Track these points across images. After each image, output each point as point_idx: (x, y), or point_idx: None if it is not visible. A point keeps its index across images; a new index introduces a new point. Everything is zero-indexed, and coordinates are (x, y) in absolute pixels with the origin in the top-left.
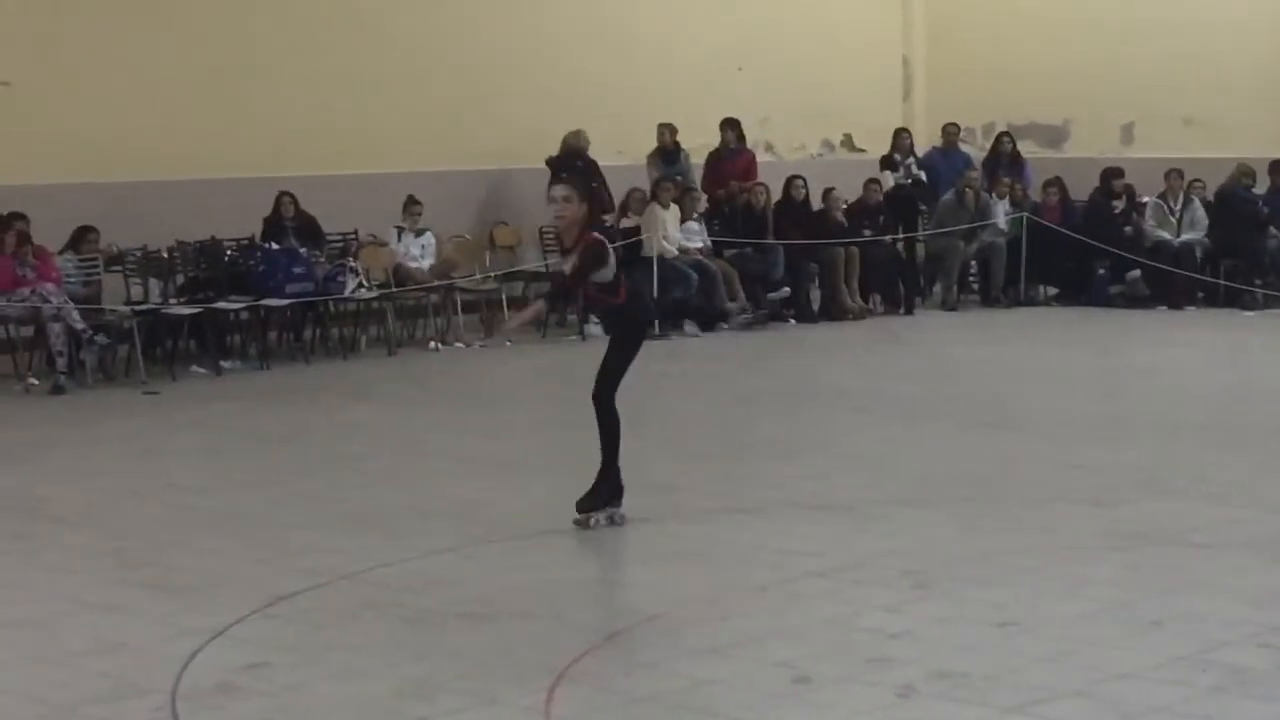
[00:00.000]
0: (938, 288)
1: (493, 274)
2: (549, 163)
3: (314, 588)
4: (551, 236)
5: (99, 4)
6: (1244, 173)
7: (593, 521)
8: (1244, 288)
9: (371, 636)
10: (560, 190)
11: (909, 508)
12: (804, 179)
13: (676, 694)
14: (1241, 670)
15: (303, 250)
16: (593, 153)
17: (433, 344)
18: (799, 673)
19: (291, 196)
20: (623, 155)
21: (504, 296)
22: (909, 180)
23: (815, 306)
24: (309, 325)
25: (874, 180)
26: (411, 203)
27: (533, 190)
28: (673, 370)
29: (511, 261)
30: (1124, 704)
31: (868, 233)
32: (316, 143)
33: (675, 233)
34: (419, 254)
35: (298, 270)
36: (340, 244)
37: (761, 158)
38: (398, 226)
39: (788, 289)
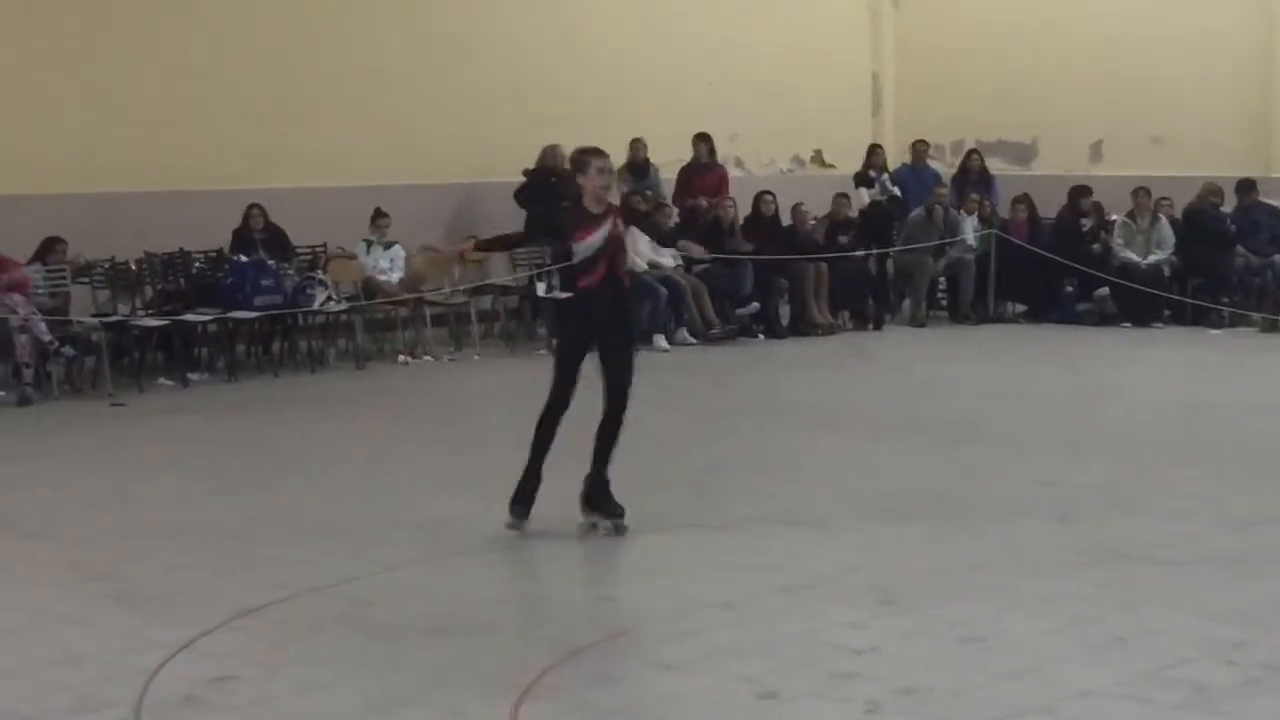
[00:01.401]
0: (906, 304)
1: (462, 287)
2: (526, 173)
3: (280, 601)
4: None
5: (66, 15)
6: (1211, 191)
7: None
8: (1211, 306)
9: (338, 650)
10: (608, 163)
11: (876, 523)
12: (773, 194)
13: (642, 709)
14: (1204, 687)
15: (271, 263)
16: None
17: (401, 357)
18: (765, 688)
19: (260, 209)
20: None
21: (473, 310)
22: (885, 196)
23: (784, 322)
24: (277, 338)
25: (843, 194)
26: (379, 215)
27: (502, 204)
28: (642, 385)
29: (481, 275)
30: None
31: (844, 240)
32: (285, 155)
33: (645, 248)
34: (388, 267)
35: (266, 283)
36: (309, 257)
37: (731, 173)
38: (366, 239)
39: (757, 304)
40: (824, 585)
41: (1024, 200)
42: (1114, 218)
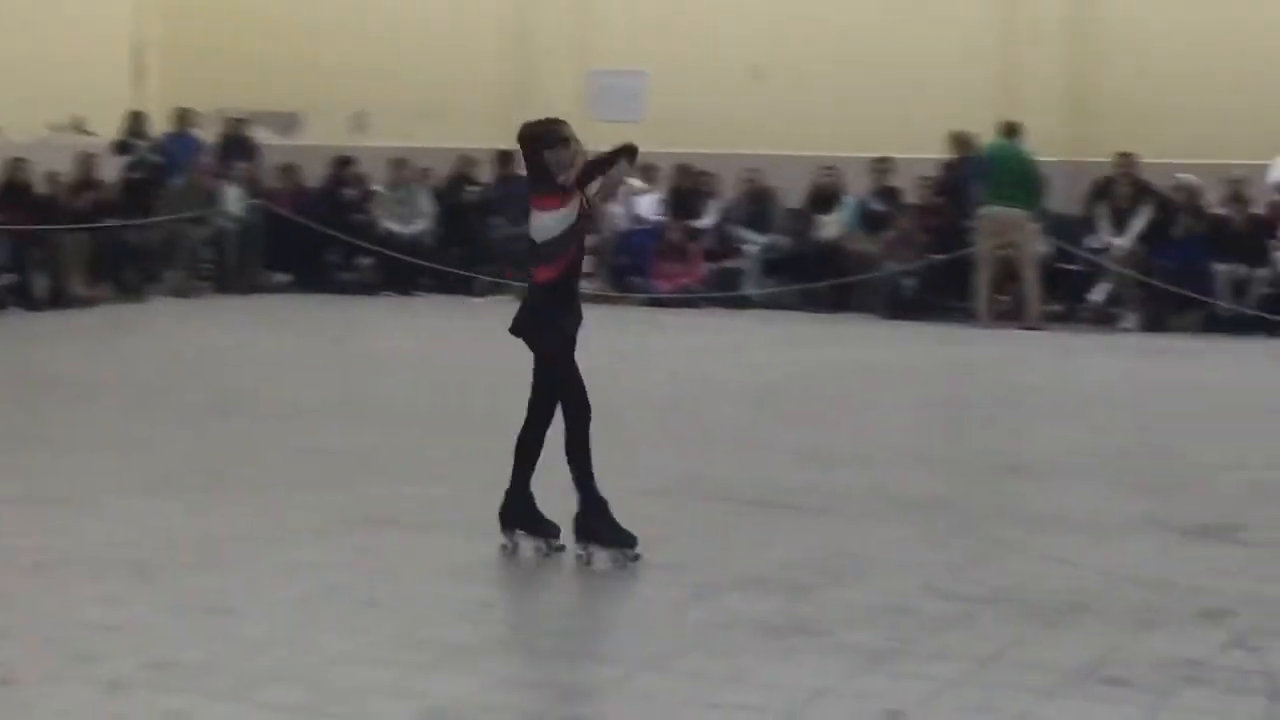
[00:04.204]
0: (171, 274)
1: None
2: None
3: None
4: None
5: None
6: (469, 163)
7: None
8: (470, 275)
9: None
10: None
11: (137, 497)
12: (31, 161)
13: None
14: (454, 646)
15: None
16: None
17: None
18: (2, 675)
19: None
20: None
21: None
22: (145, 166)
23: (42, 294)
24: None
25: (93, 155)
26: None
27: None
28: None
29: None
30: (338, 685)
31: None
32: None
33: None
34: None
35: None
36: None
37: None
38: None
39: (14, 275)
40: (78, 563)
41: (289, 170)
42: (376, 188)
